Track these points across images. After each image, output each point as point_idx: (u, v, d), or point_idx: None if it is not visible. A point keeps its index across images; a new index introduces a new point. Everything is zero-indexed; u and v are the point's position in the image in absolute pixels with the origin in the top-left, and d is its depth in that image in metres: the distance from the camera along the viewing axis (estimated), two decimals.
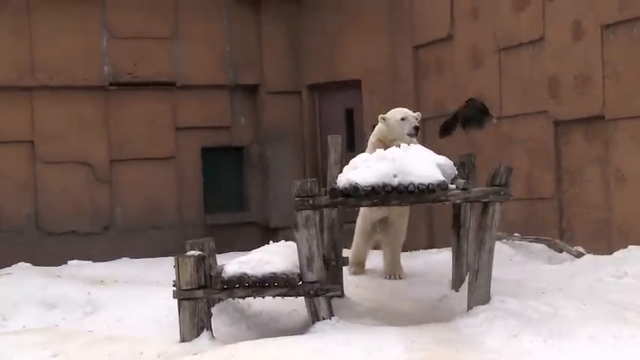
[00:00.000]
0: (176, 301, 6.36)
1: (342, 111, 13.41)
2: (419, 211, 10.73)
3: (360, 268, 8.48)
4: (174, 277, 6.41)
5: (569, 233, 9.85)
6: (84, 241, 12.27)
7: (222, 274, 6.34)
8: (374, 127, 8.28)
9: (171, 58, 12.90)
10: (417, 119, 7.83)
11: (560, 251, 9.37)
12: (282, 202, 12.88)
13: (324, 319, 6.30)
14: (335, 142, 7.62)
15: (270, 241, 7.41)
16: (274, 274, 6.31)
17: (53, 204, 12.24)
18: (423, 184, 6.15)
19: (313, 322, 6.32)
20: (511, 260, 9.15)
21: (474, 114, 9.22)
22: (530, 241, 9.68)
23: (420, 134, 8.14)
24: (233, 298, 6.68)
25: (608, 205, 9.36)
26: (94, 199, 12.47)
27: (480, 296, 6.31)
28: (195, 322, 6.30)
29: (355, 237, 8.38)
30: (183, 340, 6.30)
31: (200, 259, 6.36)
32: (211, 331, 6.35)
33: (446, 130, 11.15)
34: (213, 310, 6.63)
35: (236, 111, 13.42)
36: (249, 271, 6.32)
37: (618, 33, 9.16)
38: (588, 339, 5.61)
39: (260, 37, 13.41)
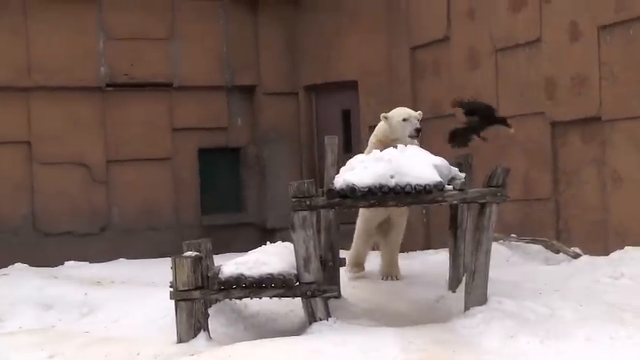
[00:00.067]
0: (173, 301, 6.36)
1: (339, 112, 13.40)
2: (417, 212, 10.71)
3: (359, 268, 8.48)
4: (171, 278, 6.40)
5: (565, 234, 9.86)
6: (81, 241, 12.25)
7: (220, 275, 6.34)
8: (370, 128, 8.25)
9: (168, 59, 12.89)
10: (418, 120, 7.81)
11: (557, 252, 9.38)
12: (279, 203, 12.86)
13: (321, 319, 6.30)
14: (332, 143, 7.60)
15: (267, 242, 7.41)
16: (271, 274, 6.31)
17: (50, 205, 12.22)
18: (420, 185, 6.16)
19: (310, 323, 6.32)
20: (508, 261, 9.15)
21: (491, 122, 8.49)
22: (527, 242, 9.68)
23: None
24: (230, 299, 6.68)
25: (604, 206, 9.37)
26: (91, 199, 12.46)
27: (476, 297, 6.32)
28: (192, 323, 6.30)
29: (355, 238, 8.36)
30: (180, 340, 6.30)
31: (197, 260, 6.35)
32: (208, 331, 6.35)
33: (458, 139, 10.05)
34: (210, 310, 6.62)
35: (233, 112, 13.41)
36: (246, 272, 6.32)
37: (615, 34, 9.17)
38: (585, 340, 5.62)
39: (257, 38, 13.40)
